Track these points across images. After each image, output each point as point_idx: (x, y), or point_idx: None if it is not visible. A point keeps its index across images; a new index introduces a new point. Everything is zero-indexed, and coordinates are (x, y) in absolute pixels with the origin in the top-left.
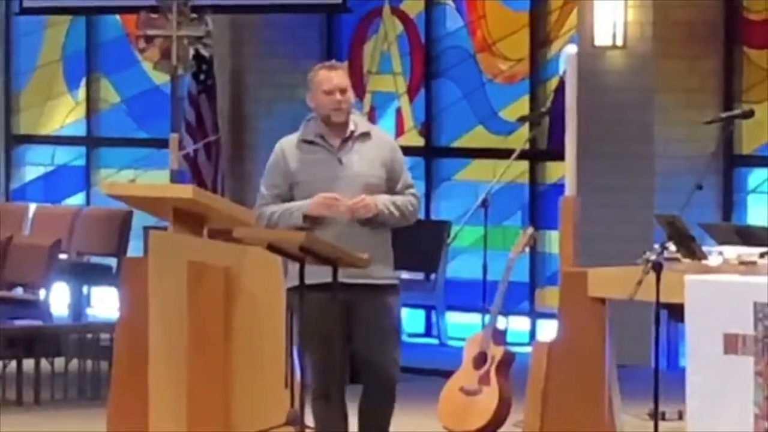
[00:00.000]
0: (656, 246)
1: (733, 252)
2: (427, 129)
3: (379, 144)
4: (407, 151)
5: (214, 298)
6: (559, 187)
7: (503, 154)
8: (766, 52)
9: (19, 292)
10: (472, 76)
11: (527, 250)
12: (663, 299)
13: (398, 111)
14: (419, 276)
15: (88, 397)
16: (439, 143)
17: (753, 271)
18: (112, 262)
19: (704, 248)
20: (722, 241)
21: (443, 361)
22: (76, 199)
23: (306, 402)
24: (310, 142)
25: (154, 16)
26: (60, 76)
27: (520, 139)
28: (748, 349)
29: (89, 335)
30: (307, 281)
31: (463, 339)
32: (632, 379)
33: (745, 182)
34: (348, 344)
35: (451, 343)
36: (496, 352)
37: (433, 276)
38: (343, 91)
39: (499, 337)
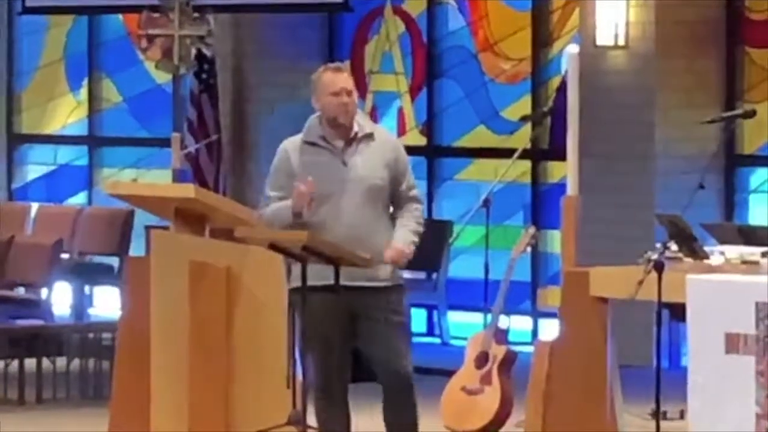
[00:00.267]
0: (658, 245)
1: (734, 252)
2: (428, 129)
3: (383, 145)
4: (409, 150)
5: (215, 297)
6: (560, 187)
7: (505, 153)
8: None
9: (21, 291)
10: (474, 75)
11: (529, 249)
12: (665, 299)
13: (400, 111)
14: (421, 275)
15: (89, 396)
16: (440, 143)
17: (755, 270)
18: (114, 261)
19: (706, 248)
20: (724, 241)
21: (445, 360)
22: (78, 199)
23: (308, 402)
24: (314, 144)
25: (156, 15)
26: (62, 76)
27: (521, 138)
28: (750, 349)
29: (91, 335)
30: (313, 282)
31: (464, 338)
32: (634, 379)
33: (746, 182)
34: (350, 344)
35: (452, 342)
36: (497, 352)
37: (434, 275)
38: (349, 93)
39: (501, 336)
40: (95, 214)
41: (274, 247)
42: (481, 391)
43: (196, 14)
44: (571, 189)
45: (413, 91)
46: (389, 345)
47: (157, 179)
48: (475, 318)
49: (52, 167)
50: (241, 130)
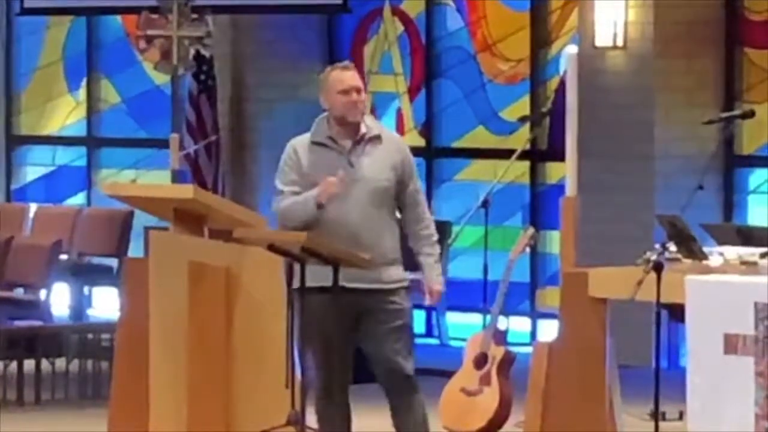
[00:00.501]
0: (657, 246)
1: (733, 252)
2: (427, 129)
3: (390, 147)
4: None
5: (214, 298)
6: (559, 188)
7: (504, 154)
8: (767, 53)
9: (19, 292)
10: (473, 76)
11: (528, 250)
12: (663, 299)
13: (399, 111)
14: (420, 276)
15: (89, 397)
16: (439, 143)
17: (753, 271)
18: (113, 262)
19: (705, 248)
20: (723, 242)
21: (444, 361)
22: (77, 200)
23: (307, 402)
24: (321, 144)
25: (154, 16)
26: (61, 77)
27: (520, 139)
28: (749, 350)
29: (90, 335)
30: (321, 283)
31: (463, 339)
32: (633, 380)
33: (745, 183)
34: (353, 345)
35: (451, 343)
36: (496, 353)
37: None
38: (358, 91)
39: (500, 337)
40: (94, 215)
41: (272, 248)
42: (480, 391)
43: (194, 15)
44: (570, 190)
45: (412, 92)
46: (390, 347)
47: (156, 180)
48: (474, 319)
49: (51, 168)
50: (239, 130)
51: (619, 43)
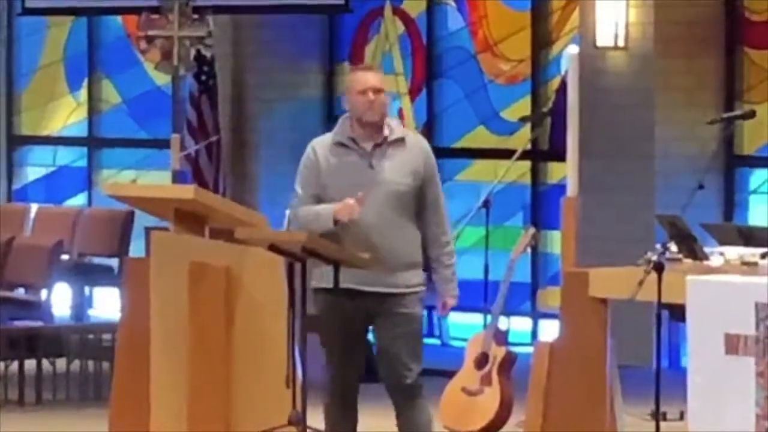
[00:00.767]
0: (658, 246)
1: (734, 252)
2: (428, 129)
3: (413, 151)
4: None
5: (215, 298)
6: (560, 188)
7: (505, 154)
8: (767, 53)
9: (20, 292)
10: (474, 76)
11: (529, 250)
12: (664, 299)
13: (400, 111)
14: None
15: (89, 397)
16: (440, 144)
17: (754, 271)
18: (114, 262)
19: (706, 249)
20: (724, 242)
21: (445, 361)
22: (78, 200)
23: (308, 402)
24: (342, 145)
25: (155, 16)
26: (62, 77)
27: (521, 139)
28: (750, 350)
29: (91, 336)
30: (331, 285)
31: (464, 339)
32: (634, 380)
33: (746, 183)
34: (364, 348)
35: (452, 343)
36: (497, 353)
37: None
38: (376, 91)
39: (501, 337)
40: (95, 215)
41: (273, 248)
42: (480, 392)
43: (195, 15)
44: (571, 190)
45: (413, 92)
46: (395, 351)
47: (157, 180)
48: (475, 319)
49: (52, 168)
50: (240, 130)
51: (620, 43)
